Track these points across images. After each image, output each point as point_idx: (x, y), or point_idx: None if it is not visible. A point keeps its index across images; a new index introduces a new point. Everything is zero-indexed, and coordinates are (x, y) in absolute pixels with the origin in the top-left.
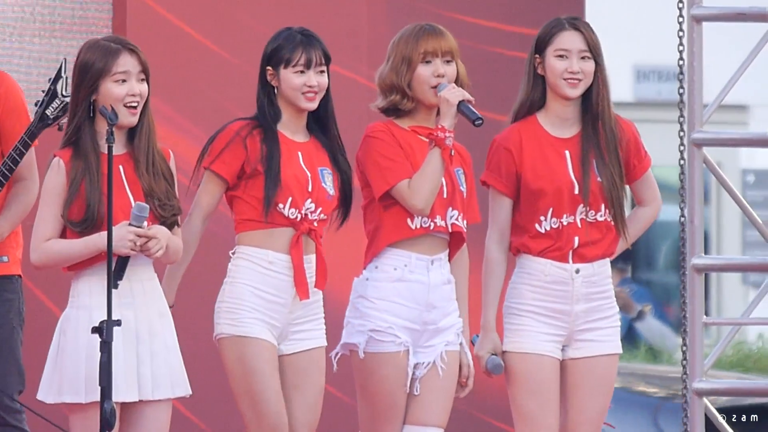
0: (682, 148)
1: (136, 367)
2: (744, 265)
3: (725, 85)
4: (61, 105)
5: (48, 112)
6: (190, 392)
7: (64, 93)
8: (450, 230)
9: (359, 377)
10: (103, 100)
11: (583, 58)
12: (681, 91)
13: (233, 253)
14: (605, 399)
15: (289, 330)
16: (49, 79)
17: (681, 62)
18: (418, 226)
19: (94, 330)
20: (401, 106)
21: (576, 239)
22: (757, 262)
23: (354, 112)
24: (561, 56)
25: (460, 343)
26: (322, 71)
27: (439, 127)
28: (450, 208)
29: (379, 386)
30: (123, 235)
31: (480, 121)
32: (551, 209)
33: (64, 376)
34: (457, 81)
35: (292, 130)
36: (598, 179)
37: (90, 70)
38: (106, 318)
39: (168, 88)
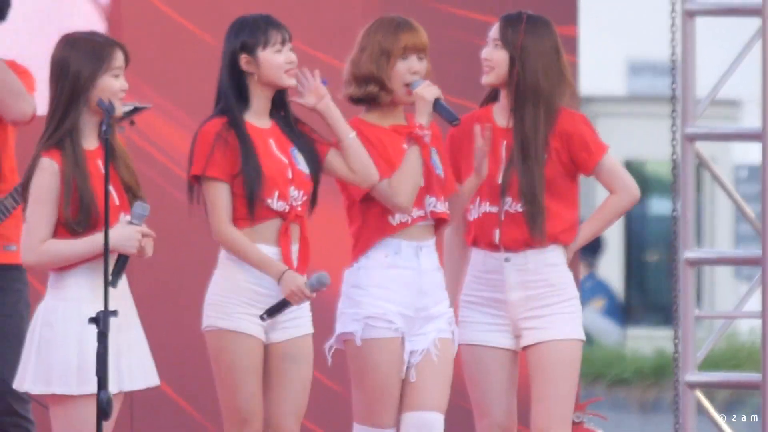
0: (675, 142)
1: (117, 359)
2: (736, 259)
3: (718, 80)
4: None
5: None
6: (158, 382)
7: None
8: (430, 217)
9: (354, 365)
10: (99, 94)
11: (495, 46)
12: (674, 86)
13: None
14: (564, 385)
15: (278, 319)
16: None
17: (674, 57)
18: (398, 222)
19: (91, 320)
20: (380, 99)
21: (496, 231)
22: (749, 256)
23: (346, 102)
24: (486, 43)
25: (452, 332)
26: (290, 48)
27: (417, 124)
28: (427, 196)
29: (374, 373)
30: (131, 234)
31: (457, 122)
32: (477, 197)
33: (53, 367)
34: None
35: (259, 116)
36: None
37: (87, 67)
38: (99, 309)
39: (165, 81)
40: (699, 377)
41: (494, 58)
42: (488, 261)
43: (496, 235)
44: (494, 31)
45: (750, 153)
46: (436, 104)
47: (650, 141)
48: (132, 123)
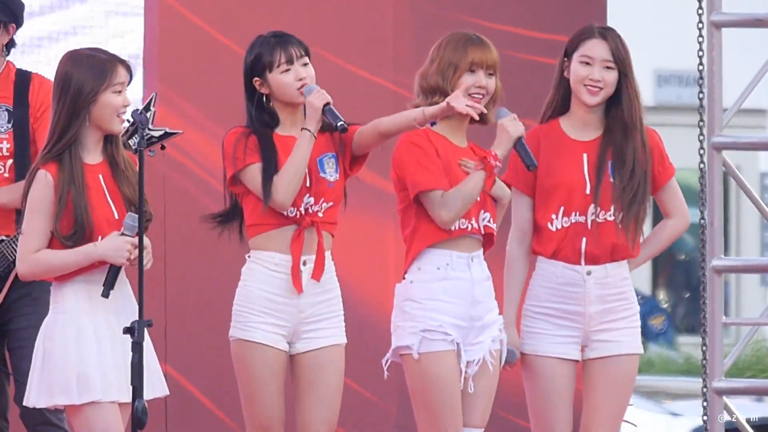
0: (702, 151)
1: (125, 371)
2: (763, 267)
3: (744, 89)
4: (147, 137)
5: (131, 141)
6: (167, 392)
7: (150, 127)
8: (483, 232)
9: (413, 380)
10: (100, 110)
11: (606, 67)
12: (701, 95)
13: (248, 257)
14: (622, 399)
15: (301, 329)
16: (137, 109)
17: (700, 67)
18: (456, 227)
19: (126, 330)
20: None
21: (584, 240)
22: None
23: (380, 115)
24: (585, 63)
25: (501, 340)
26: (305, 63)
27: (493, 154)
28: (482, 211)
29: (435, 387)
30: (120, 245)
31: (534, 167)
32: (562, 207)
33: (54, 379)
34: (494, 95)
35: (288, 128)
36: (611, 180)
37: (88, 83)
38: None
39: (199, 94)
40: (726, 384)
41: (608, 80)
42: (567, 273)
43: (583, 243)
44: (600, 51)
45: None
46: (518, 143)
47: (678, 150)
48: (163, 147)
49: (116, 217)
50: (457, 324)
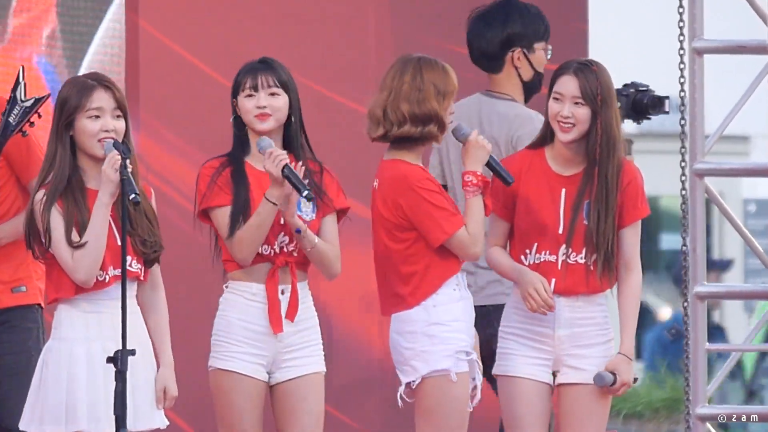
0: (684, 178)
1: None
2: (746, 293)
3: (726, 116)
4: (21, 111)
5: (10, 119)
6: (167, 423)
7: (22, 98)
8: None
9: (442, 402)
10: (79, 135)
11: (576, 104)
12: (683, 122)
13: (226, 286)
14: (597, 426)
15: (281, 358)
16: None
17: (682, 94)
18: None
19: (109, 360)
20: (437, 140)
21: (553, 281)
22: (759, 290)
23: (362, 143)
24: (556, 99)
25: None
26: (273, 93)
27: (479, 174)
28: None
29: (463, 406)
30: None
31: (511, 181)
32: (536, 245)
33: (46, 406)
34: None
35: (257, 158)
36: (585, 222)
37: (66, 106)
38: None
39: (178, 120)
40: (710, 410)
41: (578, 116)
42: None
43: (552, 284)
44: (569, 88)
45: (759, 188)
46: (492, 159)
47: (660, 177)
48: (39, 116)
49: (118, 243)
50: (470, 342)
